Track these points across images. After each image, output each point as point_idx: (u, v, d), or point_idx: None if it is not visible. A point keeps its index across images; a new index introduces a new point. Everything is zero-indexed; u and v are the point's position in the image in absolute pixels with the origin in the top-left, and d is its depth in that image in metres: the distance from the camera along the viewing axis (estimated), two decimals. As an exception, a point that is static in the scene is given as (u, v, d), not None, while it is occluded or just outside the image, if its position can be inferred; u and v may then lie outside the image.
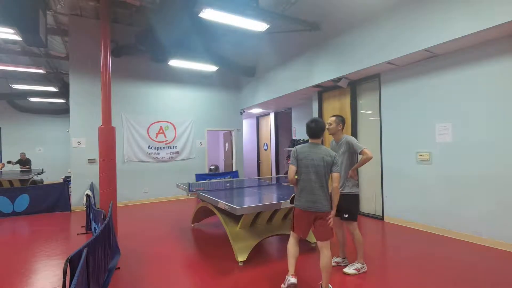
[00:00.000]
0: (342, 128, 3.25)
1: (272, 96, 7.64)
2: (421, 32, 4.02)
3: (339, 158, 3.02)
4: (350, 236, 3.23)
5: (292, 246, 2.75)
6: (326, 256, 2.59)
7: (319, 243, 2.65)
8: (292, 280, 2.60)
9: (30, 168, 10.13)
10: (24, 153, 10.35)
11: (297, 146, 2.78)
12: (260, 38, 7.54)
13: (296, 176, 2.70)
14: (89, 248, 2.06)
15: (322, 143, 2.86)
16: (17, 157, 10.35)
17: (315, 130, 2.72)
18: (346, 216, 3.13)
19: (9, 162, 9.84)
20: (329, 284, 2.62)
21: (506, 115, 3.67)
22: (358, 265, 3.10)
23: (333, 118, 3.25)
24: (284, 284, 2.69)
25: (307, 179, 2.65)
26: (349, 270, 3.08)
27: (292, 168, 2.68)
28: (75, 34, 6.86)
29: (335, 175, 2.64)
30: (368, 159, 2.97)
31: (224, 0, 4.62)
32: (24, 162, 10.14)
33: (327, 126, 3.19)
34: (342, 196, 3.11)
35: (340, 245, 3.36)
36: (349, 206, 3.13)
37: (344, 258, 3.33)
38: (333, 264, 3.32)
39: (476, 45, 3.91)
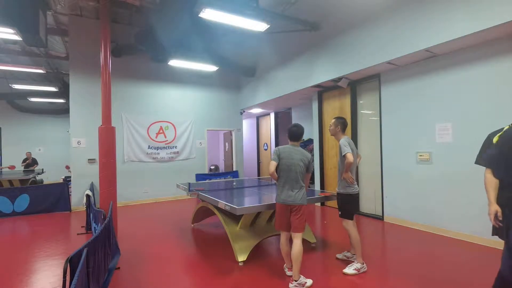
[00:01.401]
0: (342, 130, 3.34)
1: (272, 96, 7.64)
2: (421, 32, 4.02)
3: (339, 159, 3.33)
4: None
5: (283, 246, 3.03)
6: (296, 245, 2.83)
7: (292, 234, 2.94)
8: (288, 273, 3.04)
9: (35, 167, 10.15)
10: (30, 152, 10.38)
11: (279, 147, 3.06)
12: (260, 38, 7.54)
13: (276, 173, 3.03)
14: (89, 248, 2.06)
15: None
16: (17, 157, 10.35)
17: (296, 133, 3.05)
18: (340, 213, 3.31)
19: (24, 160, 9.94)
20: (300, 275, 2.80)
21: (506, 115, 3.66)
22: (358, 265, 3.11)
23: (333, 120, 3.42)
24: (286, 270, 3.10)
25: (287, 176, 2.95)
26: (348, 270, 3.09)
27: (273, 164, 2.97)
28: (75, 34, 6.86)
29: (307, 175, 3.06)
30: (348, 164, 3.07)
31: (224, 0, 4.62)
32: (31, 163, 10.14)
33: (328, 128, 3.48)
34: (338, 195, 3.38)
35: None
36: (341, 205, 3.31)
37: (354, 255, 3.36)
38: (342, 257, 3.48)
39: (476, 45, 3.91)
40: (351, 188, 3.21)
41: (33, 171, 9.70)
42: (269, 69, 7.77)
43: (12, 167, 8.30)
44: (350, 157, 3.03)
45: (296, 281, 2.76)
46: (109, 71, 4.57)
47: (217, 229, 4.92)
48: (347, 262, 3.32)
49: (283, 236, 3.03)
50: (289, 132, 3.09)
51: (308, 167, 3.03)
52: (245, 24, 4.97)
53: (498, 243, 3.70)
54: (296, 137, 3.07)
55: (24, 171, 9.76)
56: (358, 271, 3.08)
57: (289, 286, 2.77)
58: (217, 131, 10.81)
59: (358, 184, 3.30)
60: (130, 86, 7.63)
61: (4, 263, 3.59)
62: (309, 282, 2.81)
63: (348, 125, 3.47)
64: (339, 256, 3.51)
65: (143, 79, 7.80)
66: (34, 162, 10.25)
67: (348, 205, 3.25)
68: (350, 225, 3.22)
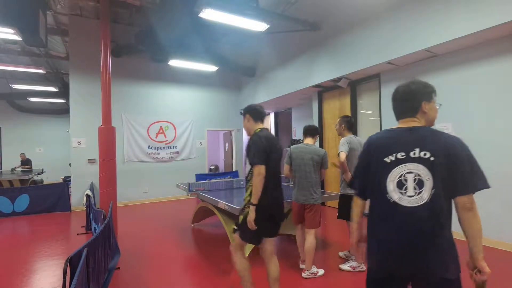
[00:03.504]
0: (347, 128, 3.30)
1: (272, 96, 7.64)
2: (421, 32, 4.02)
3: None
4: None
5: (298, 236, 3.22)
6: (309, 241, 2.99)
7: (306, 230, 3.07)
8: (301, 266, 3.16)
9: (31, 168, 10.14)
10: (24, 153, 10.37)
11: (292, 147, 3.17)
12: (260, 38, 7.54)
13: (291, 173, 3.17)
14: (89, 248, 2.06)
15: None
16: (17, 157, 10.35)
17: (308, 129, 3.18)
18: (337, 214, 3.33)
19: (13, 169, 9.91)
20: (313, 265, 3.00)
21: (506, 115, 3.67)
22: (354, 264, 3.16)
23: (338, 120, 3.42)
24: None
25: (299, 176, 3.06)
26: (344, 266, 3.18)
27: (285, 167, 3.17)
28: (75, 34, 6.86)
29: (323, 171, 3.11)
30: (339, 163, 3.08)
31: (224, 0, 4.62)
32: (24, 162, 10.16)
33: (335, 127, 3.51)
34: (339, 196, 3.35)
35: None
36: (339, 206, 3.31)
37: (353, 255, 3.34)
38: (341, 255, 3.54)
39: (476, 45, 3.91)
40: (350, 188, 3.19)
41: (31, 171, 9.70)
42: (269, 69, 7.76)
43: None
44: (341, 156, 3.05)
45: (308, 270, 2.97)
46: (109, 71, 4.56)
47: (217, 229, 4.92)
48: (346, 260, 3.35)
49: (298, 229, 3.22)
50: (304, 129, 3.25)
51: (323, 163, 3.06)
52: (245, 24, 4.96)
53: (500, 244, 3.70)
54: (311, 132, 3.17)
55: (22, 171, 9.76)
56: (353, 269, 3.13)
57: (302, 275, 2.97)
58: (217, 131, 10.81)
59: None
60: (130, 86, 7.63)
61: (4, 263, 3.59)
62: (321, 272, 3.02)
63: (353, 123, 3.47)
64: (341, 254, 3.56)
65: (143, 79, 7.80)
66: (28, 162, 10.22)
67: (346, 205, 3.19)
68: (351, 226, 3.20)
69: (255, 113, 2.46)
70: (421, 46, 4.04)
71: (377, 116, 5.38)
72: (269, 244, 2.30)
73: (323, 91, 6.65)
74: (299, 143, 3.26)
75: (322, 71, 5.86)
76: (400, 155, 1.31)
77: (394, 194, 1.29)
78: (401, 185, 1.28)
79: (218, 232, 4.73)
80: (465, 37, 3.60)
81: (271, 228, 2.29)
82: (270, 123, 10.61)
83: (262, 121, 2.47)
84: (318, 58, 5.96)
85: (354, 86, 5.84)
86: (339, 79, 5.65)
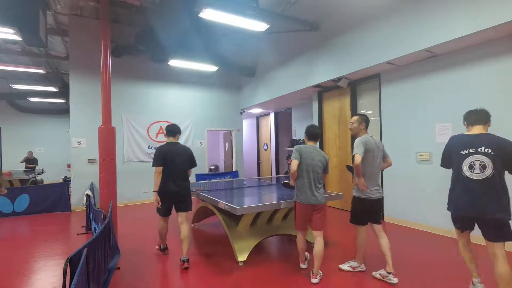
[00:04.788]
0: (366, 127, 3.05)
1: (272, 96, 7.64)
2: (421, 32, 4.02)
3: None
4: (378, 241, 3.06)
5: (300, 242, 3.12)
6: (319, 243, 2.93)
7: (314, 233, 3.01)
8: (302, 265, 3.23)
9: (35, 167, 10.18)
10: (31, 152, 10.43)
11: (300, 146, 3.05)
12: (260, 38, 7.54)
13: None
14: (89, 248, 2.06)
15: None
16: (17, 157, 10.37)
17: (314, 133, 3.12)
18: (350, 218, 3.14)
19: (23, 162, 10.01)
20: (319, 271, 2.93)
21: (506, 115, 3.67)
22: (354, 264, 3.14)
23: (355, 117, 3.12)
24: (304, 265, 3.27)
25: (307, 176, 2.96)
26: (344, 266, 3.16)
27: (295, 162, 2.95)
28: (75, 34, 6.86)
29: (324, 175, 3.11)
30: (354, 166, 2.89)
31: (224, 0, 4.63)
32: (31, 161, 10.20)
33: (349, 126, 3.23)
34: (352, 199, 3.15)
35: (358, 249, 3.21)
36: (352, 209, 3.12)
37: (390, 273, 2.93)
38: (377, 276, 3.06)
39: (476, 45, 3.91)
40: (361, 192, 2.98)
41: (33, 171, 9.71)
42: (269, 69, 7.76)
43: (10, 174, 8.28)
44: (356, 159, 2.82)
45: (319, 275, 2.91)
46: (109, 71, 4.56)
47: (217, 229, 4.92)
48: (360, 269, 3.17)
49: (301, 235, 3.08)
50: (308, 132, 3.12)
51: (326, 168, 3.06)
52: (245, 24, 4.96)
53: (505, 245, 3.69)
54: (315, 137, 3.12)
55: (24, 170, 9.77)
56: (353, 269, 3.11)
57: (313, 281, 2.87)
58: (217, 131, 10.81)
59: (362, 189, 2.99)
60: (130, 86, 7.63)
61: (4, 263, 3.59)
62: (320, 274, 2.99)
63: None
64: (375, 274, 3.02)
65: (143, 79, 7.80)
66: (35, 161, 10.27)
67: (356, 209, 3.05)
68: (357, 229, 3.09)
69: (167, 131, 3.64)
70: (421, 46, 4.04)
71: (377, 116, 5.38)
72: (179, 217, 3.55)
73: (323, 91, 6.65)
74: (300, 143, 3.22)
75: (322, 71, 5.86)
76: (472, 150, 2.31)
77: (467, 172, 2.33)
78: (471, 167, 2.30)
79: (218, 232, 4.73)
80: (465, 37, 3.60)
81: (168, 207, 3.57)
82: (270, 123, 10.62)
83: (173, 136, 3.61)
84: (318, 58, 5.96)
85: (354, 86, 5.84)
86: (339, 79, 5.65)
